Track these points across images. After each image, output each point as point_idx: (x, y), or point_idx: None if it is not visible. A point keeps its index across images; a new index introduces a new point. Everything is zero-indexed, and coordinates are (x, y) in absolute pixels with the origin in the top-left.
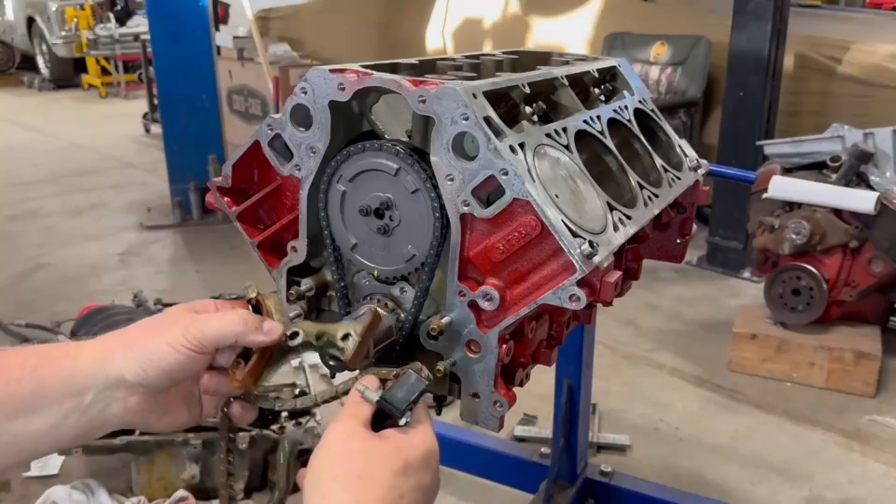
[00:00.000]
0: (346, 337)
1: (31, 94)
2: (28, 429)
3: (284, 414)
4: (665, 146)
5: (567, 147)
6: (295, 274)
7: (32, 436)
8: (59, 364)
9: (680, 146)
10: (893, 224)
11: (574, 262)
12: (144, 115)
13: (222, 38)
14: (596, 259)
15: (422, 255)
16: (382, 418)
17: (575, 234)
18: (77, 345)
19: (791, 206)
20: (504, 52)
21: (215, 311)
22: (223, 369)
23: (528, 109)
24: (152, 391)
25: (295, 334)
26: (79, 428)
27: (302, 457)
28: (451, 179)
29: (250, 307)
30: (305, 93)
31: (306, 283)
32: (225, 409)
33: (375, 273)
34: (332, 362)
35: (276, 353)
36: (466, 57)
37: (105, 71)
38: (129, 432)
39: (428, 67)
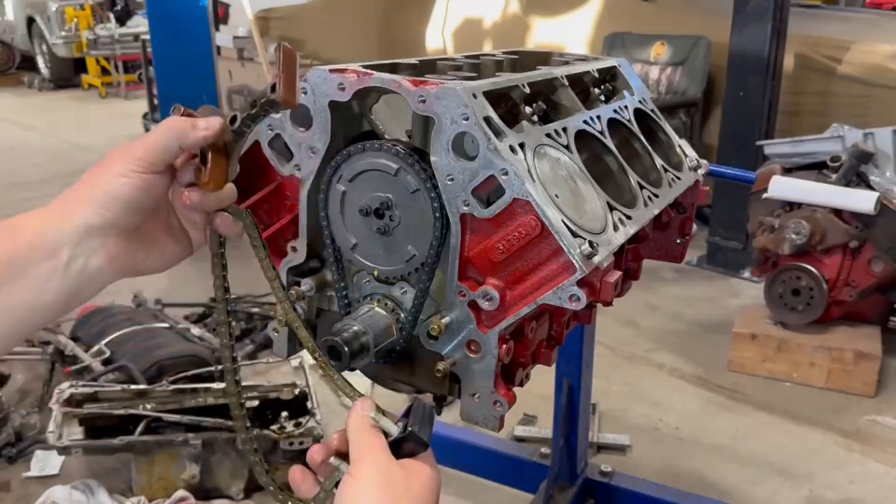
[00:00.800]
0: (273, 88)
1: (31, 94)
2: (13, 300)
3: (284, 414)
4: (665, 146)
5: (567, 147)
6: (295, 274)
7: (20, 306)
8: (24, 230)
9: (680, 146)
10: (893, 224)
11: (574, 262)
12: (144, 115)
13: (222, 38)
14: (596, 259)
15: (422, 255)
16: (402, 445)
17: (575, 234)
18: (37, 211)
19: (791, 206)
20: (504, 52)
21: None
22: (193, 184)
23: (528, 109)
24: (125, 228)
25: (234, 118)
26: (66, 288)
27: (301, 457)
28: (451, 179)
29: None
30: (305, 93)
31: (306, 283)
32: (212, 229)
33: (375, 273)
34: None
35: (231, 143)
36: (466, 57)
37: (105, 71)
38: (130, 432)
39: (428, 67)
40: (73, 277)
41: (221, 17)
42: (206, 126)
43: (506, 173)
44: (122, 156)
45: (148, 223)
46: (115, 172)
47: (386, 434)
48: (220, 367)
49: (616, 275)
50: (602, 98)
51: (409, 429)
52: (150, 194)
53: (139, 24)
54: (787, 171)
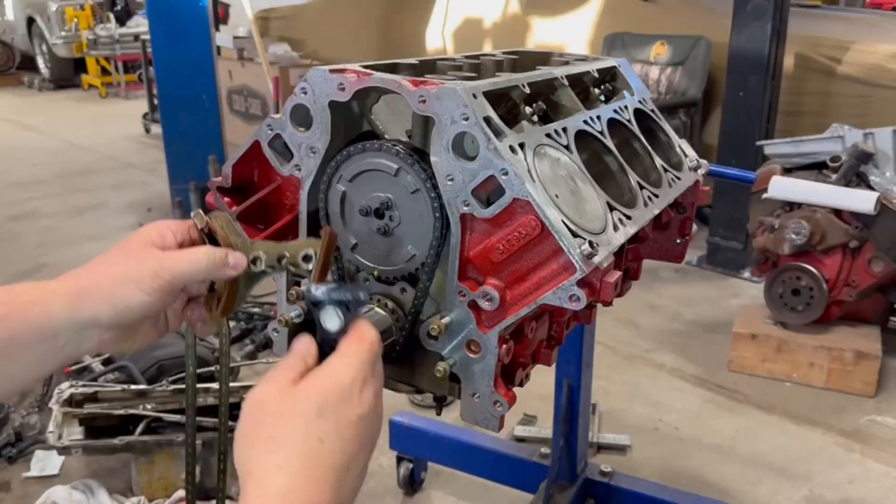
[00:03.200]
0: (307, 258)
1: (31, 94)
2: (9, 373)
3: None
4: (665, 146)
5: (567, 147)
6: (295, 274)
7: (14, 377)
8: (30, 312)
9: (680, 146)
10: (893, 224)
11: (574, 262)
12: (144, 115)
13: (222, 38)
14: (596, 259)
15: (422, 255)
16: (323, 348)
17: (575, 234)
18: (45, 288)
19: (791, 206)
20: (504, 52)
21: (173, 242)
22: (194, 298)
23: (528, 109)
24: (123, 328)
25: (256, 259)
26: (54, 365)
27: None
28: (451, 179)
29: (205, 235)
30: (305, 93)
31: (306, 283)
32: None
33: (375, 273)
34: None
35: (244, 278)
36: (466, 57)
37: (105, 71)
38: (130, 432)
39: (428, 67)
40: (64, 356)
41: (221, 17)
42: (234, 266)
43: (506, 173)
44: (150, 270)
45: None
46: (137, 286)
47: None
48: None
49: (616, 275)
50: (602, 98)
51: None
52: (159, 307)
53: (139, 24)
54: (787, 171)
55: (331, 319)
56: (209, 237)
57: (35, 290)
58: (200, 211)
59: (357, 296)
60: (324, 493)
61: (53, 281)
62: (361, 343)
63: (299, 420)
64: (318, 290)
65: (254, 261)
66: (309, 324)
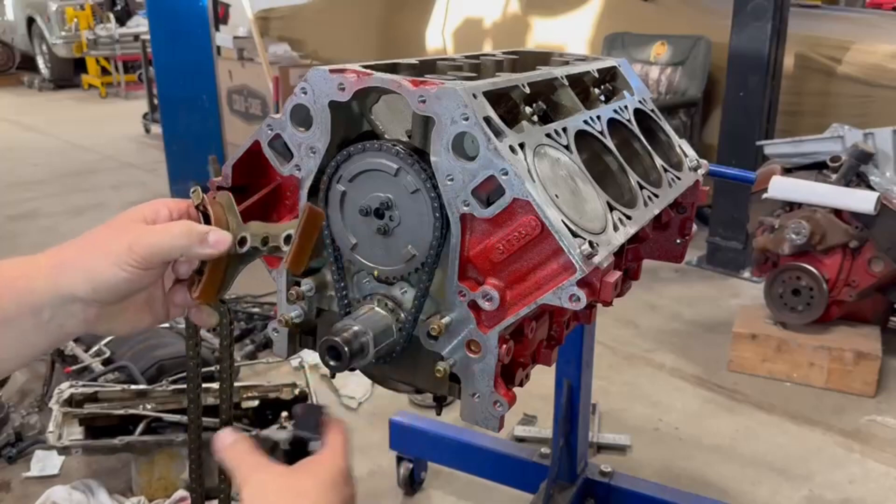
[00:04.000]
0: (287, 239)
1: (31, 94)
2: None
3: (284, 414)
4: (665, 146)
5: (567, 147)
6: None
7: (1, 355)
8: (14, 285)
9: (680, 146)
10: (893, 224)
11: (574, 262)
12: (144, 115)
13: (222, 38)
14: (596, 259)
15: (422, 255)
16: (296, 452)
17: (575, 234)
18: (30, 262)
19: (791, 206)
20: (504, 53)
21: (167, 219)
22: (182, 280)
23: (528, 109)
24: (107, 304)
25: (243, 240)
26: (41, 343)
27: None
28: (451, 179)
29: (200, 214)
30: (305, 93)
31: (306, 284)
32: (188, 316)
33: (375, 273)
34: (331, 362)
35: (232, 259)
36: (466, 57)
37: (105, 71)
38: (130, 432)
39: (428, 67)
40: (51, 334)
41: (221, 17)
42: (215, 244)
43: (506, 173)
44: (126, 243)
45: (131, 297)
46: (112, 261)
47: (275, 444)
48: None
49: (616, 275)
50: (602, 98)
51: (295, 432)
52: (139, 284)
53: (139, 24)
54: (787, 171)
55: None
56: (204, 216)
57: (21, 265)
58: (199, 188)
59: (318, 411)
60: None
61: (40, 254)
62: (340, 436)
63: (319, 491)
64: (286, 438)
65: (241, 241)
66: (308, 325)
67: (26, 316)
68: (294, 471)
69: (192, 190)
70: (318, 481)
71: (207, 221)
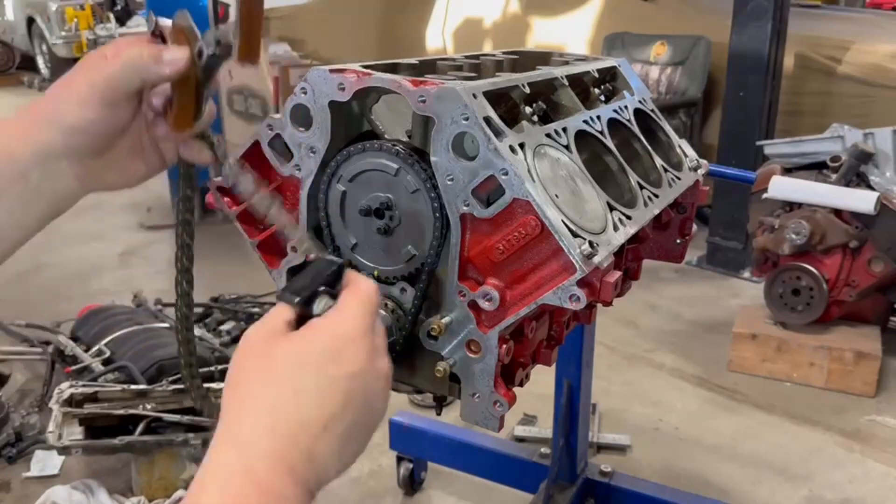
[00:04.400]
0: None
1: (31, 94)
2: None
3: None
4: (665, 146)
5: (567, 147)
6: (295, 274)
7: (5, 228)
8: None
9: (680, 146)
10: (893, 224)
11: (574, 262)
12: None
13: None
14: (596, 259)
15: (422, 255)
16: (302, 316)
17: (575, 234)
18: (7, 124)
19: (791, 206)
20: (504, 52)
21: (123, 51)
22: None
23: (528, 109)
24: (90, 154)
25: (200, 52)
26: (45, 209)
27: None
28: (451, 179)
29: (158, 40)
30: (305, 93)
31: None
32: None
33: (375, 273)
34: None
35: (201, 77)
36: (466, 57)
37: None
38: (130, 432)
39: (428, 67)
40: (47, 198)
41: (221, 17)
42: (171, 61)
43: (506, 173)
44: (84, 81)
45: (116, 144)
46: (74, 100)
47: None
48: (220, 367)
49: (616, 275)
50: (602, 98)
51: (280, 292)
52: (112, 123)
53: (139, 24)
54: (787, 171)
55: (321, 302)
56: (162, 41)
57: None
58: (153, 14)
59: (334, 268)
60: (288, 447)
61: (13, 116)
62: (356, 296)
63: (278, 369)
64: (303, 293)
65: (198, 53)
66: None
67: (14, 182)
68: (284, 339)
69: (146, 17)
70: (291, 349)
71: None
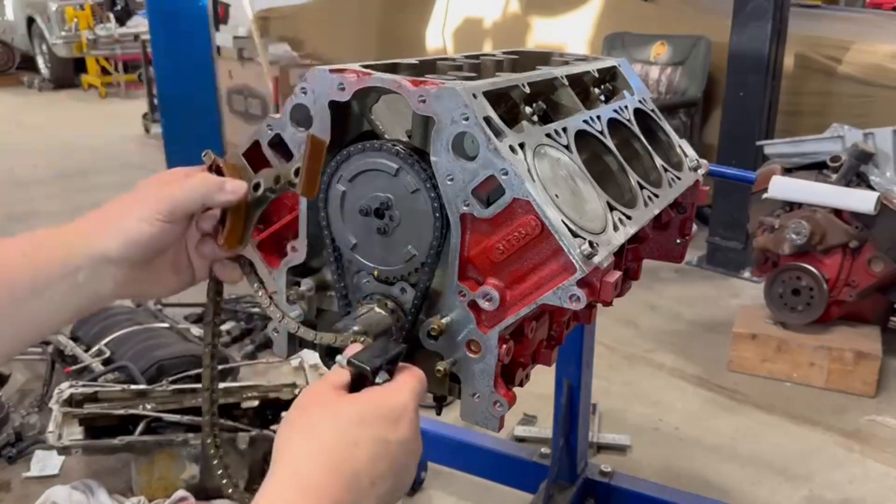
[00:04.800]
0: (298, 171)
1: (31, 94)
2: (31, 312)
3: (284, 414)
4: (665, 146)
5: (567, 147)
6: (295, 274)
7: (36, 319)
8: (51, 249)
9: (680, 146)
10: (893, 224)
11: (574, 262)
12: (144, 115)
13: (222, 38)
14: (596, 259)
15: (422, 255)
16: (360, 383)
17: (575, 234)
18: (63, 228)
19: (791, 206)
20: (504, 52)
21: (183, 177)
22: (209, 234)
23: (528, 109)
24: (137, 264)
25: (257, 185)
26: (80, 306)
27: None
28: (451, 179)
29: (214, 173)
30: (305, 93)
31: (306, 284)
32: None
33: (375, 273)
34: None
35: (252, 206)
36: (466, 57)
37: (105, 71)
38: (130, 432)
39: (428, 67)
40: (85, 297)
41: (221, 17)
42: (233, 190)
43: (506, 173)
44: (149, 201)
45: (159, 258)
46: (137, 216)
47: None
48: (220, 367)
49: (616, 275)
50: (602, 98)
51: (349, 359)
52: (166, 239)
53: (139, 24)
54: (787, 171)
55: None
56: (218, 174)
57: (55, 233)
58: (210, 151)
59: (393, 348)
60: (342, 492)
61: (70, 223)
62: (413, 377)
63: (342, 419)
64: (372, 363)
65: (255, 186)
66: (309, 324)
67: (63, 278)
68: (344, 394)
69: (203, 154)
70: (356, 406)
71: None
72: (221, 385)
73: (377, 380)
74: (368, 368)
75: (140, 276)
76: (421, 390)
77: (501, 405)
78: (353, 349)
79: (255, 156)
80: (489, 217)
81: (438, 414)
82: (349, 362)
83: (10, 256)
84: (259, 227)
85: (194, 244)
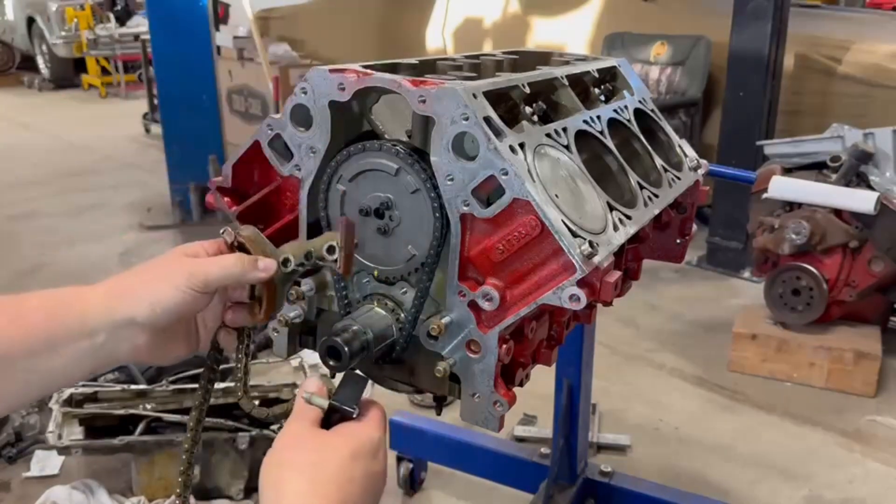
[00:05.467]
0: (331, 250)
1: (31, 94)
2: (45, 367)
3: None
4: (665, 146)
5: (567, 147)
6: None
7: (50, 373)
8: (72, 309)
9: (680, 146)
10: (893, 224)
11: (574, 262)
12: (144, 115)
13: (222, 38)
14: (596, 259)
15: (422, 255)
16: (331, 417)
17: (575, 234)
18: (87, 289)
19: (791, 206)
20: (504, 52)
21: (204, 253)
22: (237, 303)
23: (528, 109)
24: (158, 330)
25: (286, 261)
26: (91, 365)
27: None
28: (451, 179)
29: (236, 248)
30: (305, 93)
31: (306, 284)
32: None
33: (375, 273)
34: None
35: (280, 279)
36: (466, 57)
37: (105, 71)
38: (130, 432)
39: (428, 67)
40: (101, 358)
41: (221, 17)
42: (265, 269)
43: (506, 173)
44: (185, 271)
45: (175, 325)
46: (172, 284)
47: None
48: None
49: (616, 275)
50: (602, 98)
51: (331, 401)
52: (193, 308)
53: (139, 24)
54: (787, 171)
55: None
56: (241, 249)
57: (78, 291)
58: (229, 228)
59: (361, 384)
60: None
61: (95, 284)
62: (380, 410)
63: (339, 458)
64: (336, 399)
65: (284, 262)
66: (308, 325)
67: (82, 339)
68: (327, 431)
69: (222, 231)
70: (346, 444)
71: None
72: (221, 385)
73: (354, 415)
74: (351, 411)
75: (156, 342)
76: (386, 422)
77: (501, 405)
78: (313, 383)
79: (255, 156)
80: (489, 217)
81: (438, 414)
82: (331, 403)
83: (32, 309)
84: (259, 228)
85: (203, 315)
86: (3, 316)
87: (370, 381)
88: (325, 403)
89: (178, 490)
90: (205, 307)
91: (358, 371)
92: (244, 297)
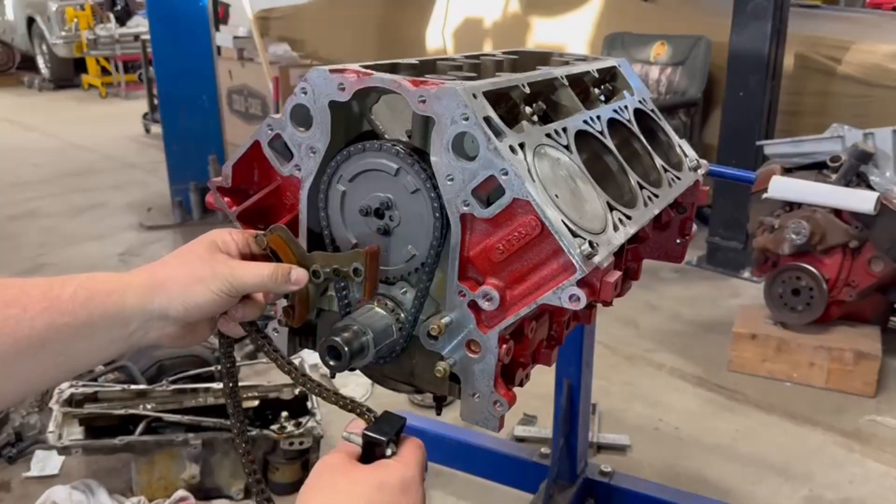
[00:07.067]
0: (356, 272)
1: (31, 94)
2: (77, 352)
3: (284, 414)
4: (665, 146)
5: (567, 147)
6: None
7: (80, 358)
8: (109, 298)
9: (680, 146)
10: (893, 224)
11: (574, 262)
12: (144, 115)
13: (222, 38)
14: (596, 259)
15: (422, 255)
16: (371, 454)
17: (575, 234)
18: (123, 279)
19: (791, 206)
20: (504, 52)
21: (235, 250)
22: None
23: (528, 109)
24: (187, 323)
25: (316, 273)
26: (120, 350)
27: (301, 457)
28: (451, 179)
29: (268, 252)
30: (305, 93)
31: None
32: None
33: None
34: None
35: (311, 287)
36: (466, 57)
37: (105, 71)
38: (130, 432)
39: (428, 67)
40: (131, 344)
41: (221, 17)
42: (296, 281)
43: (506, 173)
44: (221, 276)
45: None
46: (208, 288)
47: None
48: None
49: (616, 275)
50: (602, 98)
51: (364, 431)
52: (222, 308)
53: (139, 24)
54: (787, 171)
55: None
56: (273, 255)
57: (115, 280)
58: (261, 234)
59: (397, 421)
60: None
61: (131, 272)
62: (418, 449)
63: (365, 486)
64: (369, 430)
65: (315, 273)
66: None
67: (115, 327)
68: (360, 464)
69: (255, 236)
70: (376, 475)
71: (276, 258)
72: (220, 385)
73: (387, 451)
74: (384, 440)
75: (182, 332)
76: (424, 461)
77: (501, 405)
78: (357, 424)
79: (255, 156)
80: (489, 217)
81: (438, 414)
82: (365, 435)
83: (69, 296)
84: (259, 228)
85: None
86: (40, 301)
87: (370, 382)
88: (360, 440)
89: (249, 479)
90: (230, 306)
91: (395, 412)
92: (267, 299)
